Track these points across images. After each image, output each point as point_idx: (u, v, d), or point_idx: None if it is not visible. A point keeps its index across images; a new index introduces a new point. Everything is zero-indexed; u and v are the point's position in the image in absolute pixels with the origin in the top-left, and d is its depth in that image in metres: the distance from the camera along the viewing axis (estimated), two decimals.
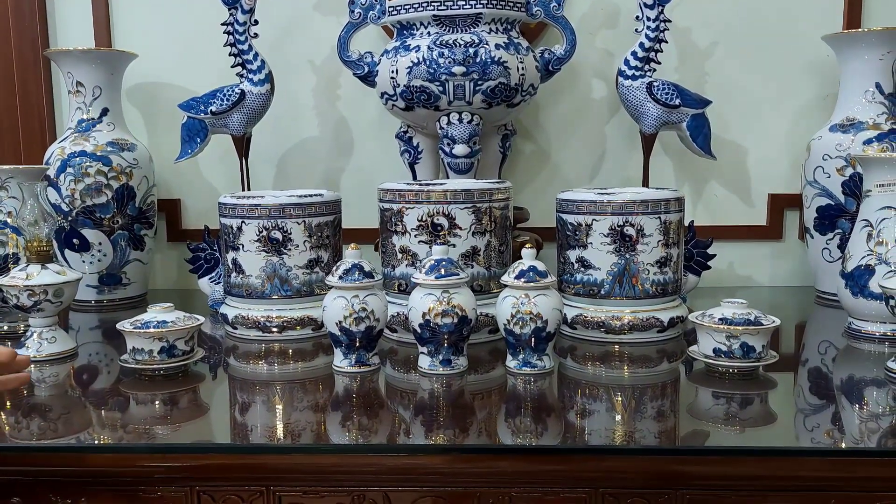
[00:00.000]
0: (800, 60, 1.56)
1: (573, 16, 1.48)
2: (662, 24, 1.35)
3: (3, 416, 0.92)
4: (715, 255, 1.35)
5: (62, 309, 1.13)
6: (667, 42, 1.38)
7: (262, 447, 0.83)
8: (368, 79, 1.37)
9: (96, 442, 0.85)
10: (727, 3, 1.55)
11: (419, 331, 1.01)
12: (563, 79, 1.50)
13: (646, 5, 1.35)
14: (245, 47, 1.40)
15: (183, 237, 1.64)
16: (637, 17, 1.36)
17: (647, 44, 1.36)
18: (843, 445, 0.81)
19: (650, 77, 1.37)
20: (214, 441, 0.87)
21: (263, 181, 1.64)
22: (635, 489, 0.80)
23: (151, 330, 1.00)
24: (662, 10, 1.35)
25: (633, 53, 1.37)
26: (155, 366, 1.01)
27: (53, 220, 1.41)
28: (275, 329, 1.19)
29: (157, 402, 0.96)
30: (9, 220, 1.25)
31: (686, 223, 1.24)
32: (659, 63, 1.38)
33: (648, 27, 1.35)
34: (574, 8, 1.55)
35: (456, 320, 0.99)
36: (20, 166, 1.27)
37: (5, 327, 1.26)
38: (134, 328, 1.01)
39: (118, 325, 1.03)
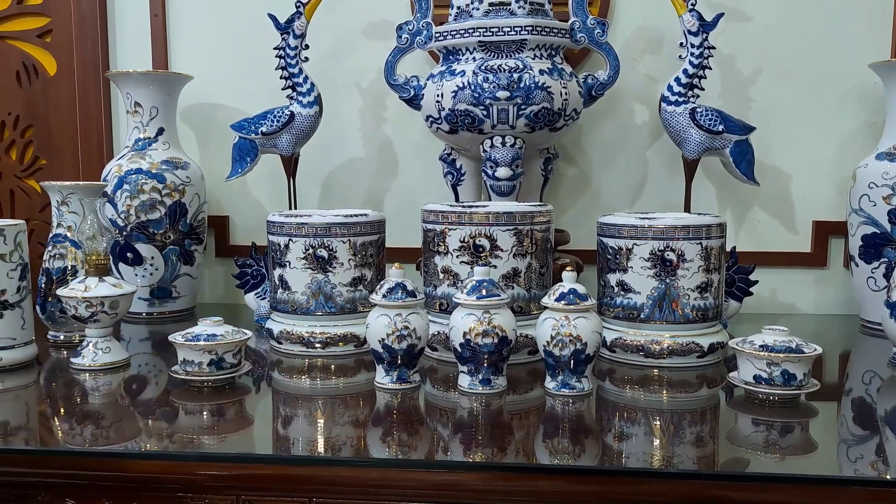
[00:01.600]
0: (846, 87, 1.55)
1: (616, 42, 1.49)
2: (706, 51, 1.36)
3: (58, 423, 0.96)
4: (757, 282, 1.33)
5: (117, 320, 1.18)
6: (710, 68, 1.38)
7: (306, 459, 0.85)
8: (414, 102, 1.40)
9: (146, 449, 0.88)
10: (772, 30, 1.55)
11: (460, 350, 1.02)
12: (605, 103, 1.51)
13: (690, 32, 1.36)
14: (295, 70, 1.45)
15: (231, 253, 1.69)
16: (681, 44, 1.37)
17: (691, 70, 1.36)
18: (889, 476, 0.80)
19: (693, 103, 1.38)
20: (258, 452, 0.90)
21: (309, 200, 1.68)
22: None
23: (202, 343, 1.04)
24: (707, 36, 1.36)
25: (677, 79, 1.37)
26: (204, 377, 1.05)
27: (110, 235, 1.46)
28: (318, 345, 1.21)
29: (204, 413, 0.99)
30: (69, 234, 1.29)
31: (728, 249, 1.23)
32: (702, 89, 1.39)
33: (692, 54, 1.36)
34: (618, 34, 1.56)
35: (496, 341, 1.00)
36: (81, 182, 1.32)
37: (62, 337, 1.31)
38: (185, 340, 1.05)
39: (170, 337, 1.07)
